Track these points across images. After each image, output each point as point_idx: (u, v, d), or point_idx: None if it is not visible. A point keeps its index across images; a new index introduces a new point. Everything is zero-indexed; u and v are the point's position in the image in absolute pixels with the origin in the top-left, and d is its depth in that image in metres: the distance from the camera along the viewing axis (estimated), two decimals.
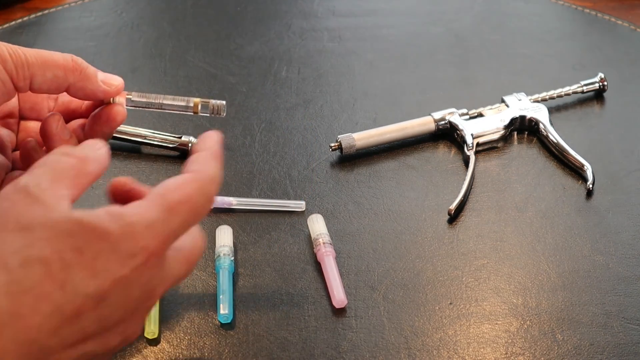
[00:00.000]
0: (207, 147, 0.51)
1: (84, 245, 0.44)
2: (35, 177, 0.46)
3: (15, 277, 0.42)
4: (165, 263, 0.48)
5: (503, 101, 0.78)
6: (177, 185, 0.48)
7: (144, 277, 0.46)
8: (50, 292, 0.43)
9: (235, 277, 0.64)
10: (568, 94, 0.80)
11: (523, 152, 0.75)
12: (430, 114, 0.76)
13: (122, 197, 0.49)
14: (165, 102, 0.58)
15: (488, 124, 0.76)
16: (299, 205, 0.70)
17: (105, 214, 0.45)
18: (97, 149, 0.49)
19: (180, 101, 0.58)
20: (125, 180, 0.50)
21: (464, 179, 0.71)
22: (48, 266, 0.43)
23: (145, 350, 0.59)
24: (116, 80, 0.58)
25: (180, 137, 0.75)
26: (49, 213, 0.44)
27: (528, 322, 0.60)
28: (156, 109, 0.59)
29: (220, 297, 0.61)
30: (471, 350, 0.59)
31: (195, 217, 0.48)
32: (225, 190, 0.71)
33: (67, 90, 0.56)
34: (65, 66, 0.56)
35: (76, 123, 0.60)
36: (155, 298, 0.49)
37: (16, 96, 0.59)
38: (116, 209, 0.45)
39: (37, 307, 0.43)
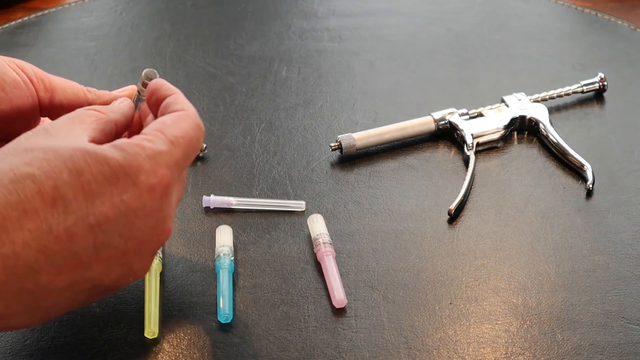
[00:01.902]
0: (174, 90, 0.53)
1: (84, 168, 0.43)
2: (54, 122, 0.47)
3: (3, 191, 0.42)
4: (173, 196, 0.48)
5: (503, 101, 0.78)
6: (173, 122, 0.48)
7: (149, 206, 0.46)
8: (38, 208, 0.42)
9: (235, 277, 0.64)
10: (568, 94, 0.80)
11: (523, 152, 0.75)
12: (430, 114, 0.76)
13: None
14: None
15: (488, 124, 0.76)
16: (299, 205, 0.70)
17: (110, 146, 0.45)
18: (118, 102, 0.52)
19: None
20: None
21: (464, 179, 0.71)
22: (40, 184, 0.42)
23: (145, 350, 0.59)
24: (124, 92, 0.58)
25: None
26: (56, 141, 0.44)
27: (528, 322, 0.60)
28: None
29: (220, 297, 0.61)
30: (471, 350, 0.59)
31: (194, 151, 0.49)
32: (225, 190, 0.71)
33: None
34: (84, 90, 0.56)
35: None
36: (166, 233, 0.48)
37: None
38: (120, 141, 0.46)
39: (22, 222, 0.42)
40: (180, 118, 0.49)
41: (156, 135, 0.47)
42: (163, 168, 0.46)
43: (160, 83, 0.54)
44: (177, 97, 0.52)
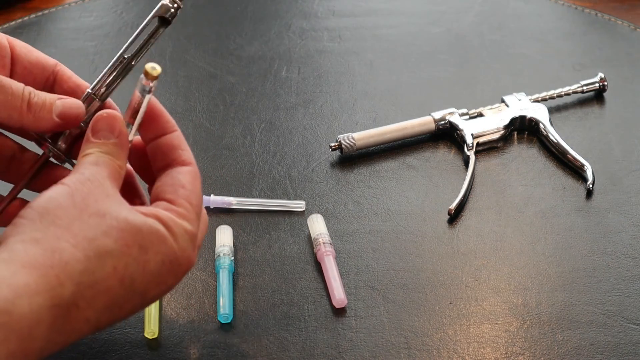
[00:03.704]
0: (174, 124, 0.54)
1: (149, 247, 0.48)
2: (99, 173, 0.49)
3: (89, 266, 0.45)
4: None
5: (503, 101, 0.78)
6: (196, 188, 0.52)
7: (180, 277, 0.51)
8: (111, 286, 0.46)
9: (235, 277, 0.64)
10: (568, 94, 0.80)
11: (523, 152, 0.75)
12: (430, 114, 0.76)
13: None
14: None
15: (488, 124, 0.76)
16: (299, 205, 0.69)
17: (160, 224, 0.49)
18: (125, 151, 0.52)
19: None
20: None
21: (464, 179, 0.71)
22: (116, 260, 0.46)
23: (145, 350, 0.59)
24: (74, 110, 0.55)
25: None
26: (121, 206, 0.48)
27: (528, 322, 0.60)
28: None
29: (220, 297, 0.61)
30: (471, 350, 0.59)
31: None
32: (225, 190, 0.71)
33: None
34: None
35: None
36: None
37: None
38: (167, 217, 0.49)
39: (94, 302, 0.45)
40: (197, 183, 0.53)
41: (190, 212, 0.51)
42: (196, 249, 0.51)
43: (161, 112, 0.54)
44: (183, 142, 0.54)
